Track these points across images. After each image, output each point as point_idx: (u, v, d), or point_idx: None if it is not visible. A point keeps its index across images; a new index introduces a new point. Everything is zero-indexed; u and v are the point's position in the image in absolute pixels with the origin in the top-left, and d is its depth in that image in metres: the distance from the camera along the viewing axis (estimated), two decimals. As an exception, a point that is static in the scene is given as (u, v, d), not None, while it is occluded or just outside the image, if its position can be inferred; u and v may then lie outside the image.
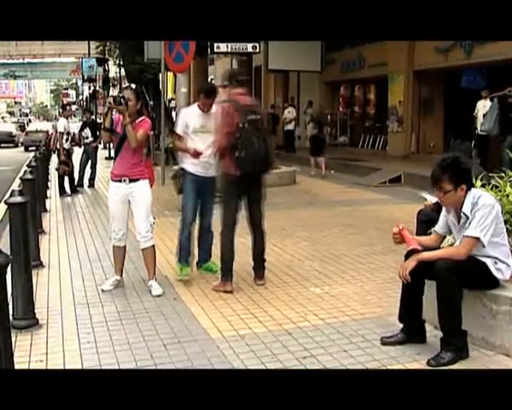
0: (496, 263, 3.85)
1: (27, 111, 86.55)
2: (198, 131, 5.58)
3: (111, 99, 5.16)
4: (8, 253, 3.77)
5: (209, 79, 21.70)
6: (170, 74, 24.67)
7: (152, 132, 11.08)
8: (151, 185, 5.53)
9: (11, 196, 4.64)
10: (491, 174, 4.92)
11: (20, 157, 23.02)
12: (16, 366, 3.08)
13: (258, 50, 15.36)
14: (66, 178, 11.96)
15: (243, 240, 6.00)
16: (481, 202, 3.78)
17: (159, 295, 5.14)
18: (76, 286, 5.47)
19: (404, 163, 15.14)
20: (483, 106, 12.93)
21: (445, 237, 4.18)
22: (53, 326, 4.46)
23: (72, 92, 74.85)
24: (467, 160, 4.01)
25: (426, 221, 5.28)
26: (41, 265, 6.13)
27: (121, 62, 23.87)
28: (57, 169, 11.93)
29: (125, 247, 5.45)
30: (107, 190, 6.37)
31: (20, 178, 6.96)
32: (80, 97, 58.41)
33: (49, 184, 12.84)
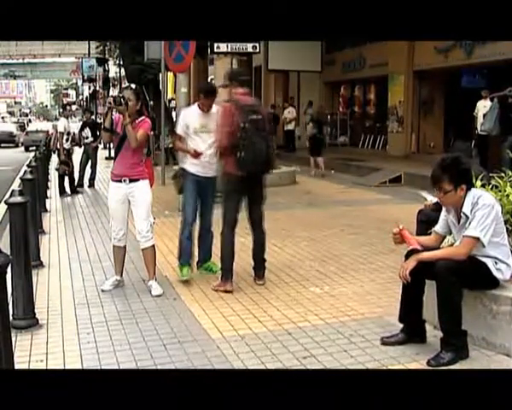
0: (496, 263, 3.85)
1: (27, 111, 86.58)
2: (198, 131, 5.58)
3: (111, 99, 5.16)
4: (9, 253, 3.77)
5: (209, 79, 21.72)
6: (170, 74, 24.70)
7: (152, 132, 11.08)
8: (151, 185, 5.53)
9: (11, 196, 4.64)
10: (491, 174, 4.91)
11: (20, 157, 23.03)
12: (16, 366, 3.08)
13: (258, 50, 15.35)
14: (67, 178, 11.96)
15: (243, 240, 6.00)
16: (481, 201, 3.78)
17: (159, 296, 5.14)
18: (76, 286, 5.47)
19: (405, 163, 15.14)
20: (483, 106, 12.93)
21: (445, 237, 4.18)
22: (53, 326, 4.46)
23: (72, 92, 74.85)
24: (467, 160, 4.01)
25: (426, 221, 5.28)
26: (41, 265, 6.13)
27: (121, 62, 23.87)
28: (57, 169, 11.93)
29: (125, 247, 5.45)
30: (107, 190, 6.37)
31: (21, 178, 6.96)
32: (80, 97, 58.43)
33: (49, 184, 12.84)
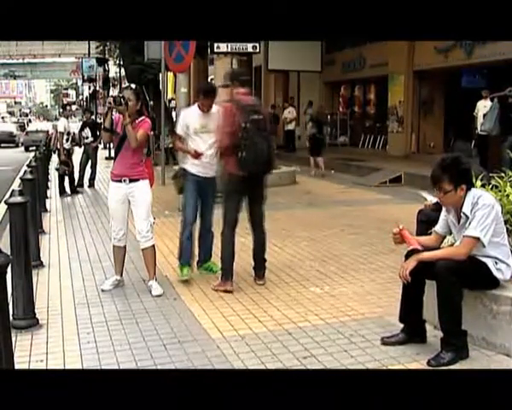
0: (496, 263, 3.85)
1: (27, 111, 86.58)
2: (198, 131, 5.57)
3: (111, 99, 5.16)
4: (9, 253, 3.77)
5: (209, 79, 21.71)
6: (170, 74, 24.69)
7: (152, 132, 11.08)
8: (151, 185, 5.53)
9: (11, 196, 4.65)
10: (491, 174, 4.92)
11: (20, 157, 23.03)
12: (16, 366, 3.08)
13: (258, 50, 15.35)
14: (67, 178, 11.96)
15: (244, 240, 6.00)
16: (481, 201, 3.78)
17: (159, 296, 5.14)
18: (76, 286, 5.47)
19: (405, 163, 15.14)
20: (483, 106, 12.93)
21: (445, 237, 4.18)
22: (53, 326, 4.46)
23: (72, 92, 74.85)
24: (467, 160, 4.01)
25: (426, 221, 5.28)
26: (41, 265, 6.13)
27: (121, 62, 23.87)
28: (57, 169, 11.93)
29: (125, 247, 5.45)
30: (107, 190, 6.37)
31: (21, 178, 6.96)
32: (80, 97, 58.43)
33: (49, 184, 12.85)
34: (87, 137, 13.20)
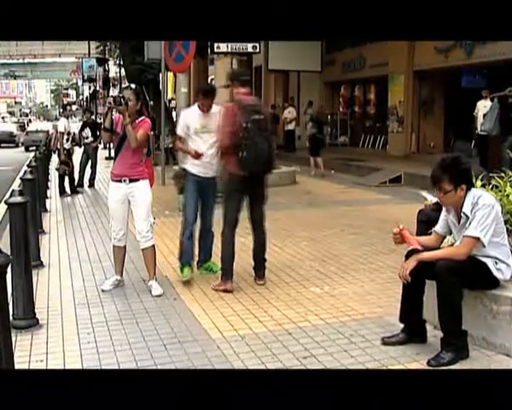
0: (496, 263, 3.85)
1: (27, 111, 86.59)
2: (199, 131, 5.57)
3: (111, 99, 5.16)
4: (9, 253, 3.77)
5: (209, 79, 21.71)
6: (170, 74, 24.70)
7: (152, 132, 11.08)
8: (151, 185, 5.53)
9: (11, 196, 4.64)
10: (491, 174, 4.92)
11: (20, 157, 23.03)
12: (16, 366, 3.08)
13: (258, 50, 15.35)
14: (67, 178, 11.96)
15: (244, 240, 6.00)
16: (481, 201, 3.78)
17: (159, 296, 5.14)
18: (76, 286, 5.47)
19: (405, 163, 15.14)
20: (483, 106, 12.93)
21: (445, 237, 4.18)
22: (53, 326, 4.46)
23: (72, 92, 74.85)
24: (467, 160, 4.01)
25: (426, 221, 5.28)
26: (41, 265, 6.13)
27: (121, 62, 23.88)
28: (57, 169, 11.93)
29: (125, 247, 5.45)
30: (107, 190, 6.37)
31: (21, 178, 6.96)
32: (80, 97, 58.41)
33: (49, 184, 12.85)
34: (87, 137, 13.20)
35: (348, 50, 20.38)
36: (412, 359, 3.83)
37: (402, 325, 4.09)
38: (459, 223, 3.92)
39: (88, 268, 6.07)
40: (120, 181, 5.24)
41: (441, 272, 3.73)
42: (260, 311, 4.78)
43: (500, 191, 4.49)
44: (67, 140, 11.87)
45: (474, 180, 4.11)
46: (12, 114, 74.08)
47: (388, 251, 6.41)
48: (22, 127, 39.00)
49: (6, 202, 4.69)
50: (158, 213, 8.18)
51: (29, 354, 3.96)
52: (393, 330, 4.16)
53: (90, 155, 13.16)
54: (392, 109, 18.27)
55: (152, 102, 19.98)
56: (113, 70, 31.83)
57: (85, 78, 34.83)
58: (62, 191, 11.72)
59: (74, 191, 11.96)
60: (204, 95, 5.58)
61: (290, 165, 14.42)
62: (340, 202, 10.58)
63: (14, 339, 3.44)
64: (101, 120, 8.01)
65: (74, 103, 56.24)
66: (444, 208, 4.08)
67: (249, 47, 14.66)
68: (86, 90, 44.96)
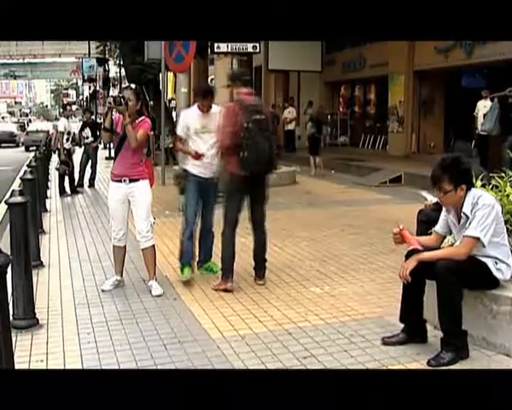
0: (496, 263, 3.85)
1: (27, 111, 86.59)
2: (199, 131, 5.57)
3: (111, 99, 5.16)
4: (9, 253, 3.77)
5: (209, 79, 21.72)
6: (170, 74, 24.70)
7: (152, 132, 11.08)
8: (151, 185, 5.53)
9: (11, 196, 4.64)
10: (491, 174, 4.92)
11: (20, 157, 23.03)
12: (16, 366, 3.08)
13: (258, 50, 15.36)
14: (67, 178, 11.96)
15: (244, 240, 6.01)
16: (481, 201, 3.78)
17: (159, 296, 5.14)
18: (76, 286, 5.47)
19: (405, 163, 15.14)
20: (483, 106, 12.94)
21: (445, 237, 4.18)
22: (53, 326, 4.46)
23: (72, 92, 74.87)
24: (467, 160, 4.01)
25: (426, 221, 5.28)
26: (41, 265, 6.13)
27: (121, 62, 23.87)
28: (57, 169, 11.93)
29: (125, 247, 5.45)
30: (107, 190, 6.37)
31: (21, 178, 6.96)
32: (80, 97, 58.44)
33: (49, 184, 12.85)
34: (87, 137, 13.20)
35: (348, 50, 20.38)
36: (412, 359, 3.83)
37: (402, 325, 4.09)
38: (459, 223, 3.92)
39: (88, 268, 6.07)
40: (120, 181, 5.24)
41: (441, 272, 3.73)
42: (260, 311, 4.78)
43: (500, 191, 4.49)
44: (67, 140, 11.87)
45: (474, 180, 4.11)
46: (12, 114, 74.07)
47: (388, 251, 6.41)
48: (22, 127, 39.01)
49: (6, 202, 4.69)
50: (158, 213, 8.18)
51: (29, 354, 3.96)
52: (393, 330, 4.16)
53: (90, 155, 13.16)
54: (393, 109, 18.27)
55: (152, 102, 19.98)
56: (113, 70, 31.84)
57: (85, 78, 34.87)
58: (62, 191, 11.72)
59: (74, 191, 11.96)
60: (203, 95, 5.58)
61: (290, 165, 14.42)
62: (340, 202, 10.58)
63: (14, 339, 3.44)
64: (101, 120, 8.00)
65: (74, 103, 56.25)
66: (444, 208, 4.08)
67: (249, 47, 14.66)
68: (86, 90, 44.98)
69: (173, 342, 4.12)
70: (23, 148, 30.98)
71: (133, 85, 5.50)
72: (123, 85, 15.88)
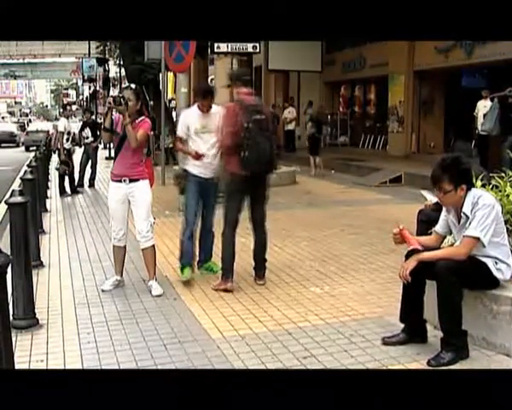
0: (496, 263, 3.85)
1: (27, 111, 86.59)
2: (199, 132, 5.57)
3: (111, 99, 5.16)
4: (9, 253, 3.77)
5: (209, 79, 21.72)
6: (170, 74, 24.70)
7: (152, 132, 11.08)
8: (151, 185, 5.53)
9: (11, 196, 4.64)
10: (491, 174, 4.92)
11: (20, 157, 23.03)
12: (16, 366, 3.08)
13: (258, 50, 15.35)
14: (67, 178, 11.96)
15: (244, 240, 6.01)
16: (481, 201, 3.78)
17: (159, 296, 5.14)
18: (76, 286, 5.47)
19: (405, 163, 15.14)
20: (483, 106, 12.93)
21: (445, 237, 4.18)
22: (53, 326, 4.46)
23: (72, 92, 74.87)
24: (467, 160, 4.01)
25: (426, 221, 5.28)
26: (41, 265, 6.13)
27: (121, 62, 23.87)
28: (57, 169, 11.93)
29: (125, 247, 5.45)
30: (107, 190, 6.37)
31: (21, 178, 6.96)
32: (80, 97, 58.43)
33: (49, 184, 12.85)
34: (87, 137, 13.20)
35: (348, 50, 20.38)
36: (412, 359, 3.83)
37: (402, 325, 4.09)
38: (459, 223, 3.92)
39: (88, 268, 6.07)
40: (120, 181, 5.24)
41: (441, 272, 3.73)
42: (260, 311, 4.78)
43: (500, 191, 4.49)
44: (67, 140, 11.87)
45: (474, 180, 4.11)
46: (12, 114, 74.06)
47: (388, 251, 6.41)
48: (22, 127, 39.01)
49: (6, 202, 4.69)
50: (158, 213, 8.18)
51: (29, 354, 3.96)
52: (394, 330, 4.16)
53: (90, 155, 13.16)
54: (393, 109, 18.27)
55: (152, 102, 19.98)
56: (113, 70, 31.84)
57: (85, 78, 34.88)
58: (62, 191, 11.73)
59: (74, 191, 11.96)
60: (203, 95, 5.58)
61: (290, 165, 14.42)
62: (340, 202, 10.58)
63: (14, 339, 3.44)
64: (101, 120, 8.00)
65: (74, 103, 56.24)
66: (444, 208, 4.08)
67: (249, 47, 14.65)
68: (86, 90, 44.98)
69: (173, 342, 4.12)
70: (23, 148, 30.99)
71: (133, 85, 5.50)
72: (123, 85, 15.87)
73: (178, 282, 5.52)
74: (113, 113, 5.17)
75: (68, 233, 7.85)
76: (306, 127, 16.57)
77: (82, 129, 13.48)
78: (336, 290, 5.31)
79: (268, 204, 5.61)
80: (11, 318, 3.91)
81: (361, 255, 6.52)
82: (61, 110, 30.23)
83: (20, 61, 63.17)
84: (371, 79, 20.74)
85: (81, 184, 12.67)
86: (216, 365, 3.77)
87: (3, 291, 2.81)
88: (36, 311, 4.54)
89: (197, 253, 5.83)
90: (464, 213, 3.83)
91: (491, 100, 11.94)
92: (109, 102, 5.21)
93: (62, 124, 11.95)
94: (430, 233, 4.33)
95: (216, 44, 14.65)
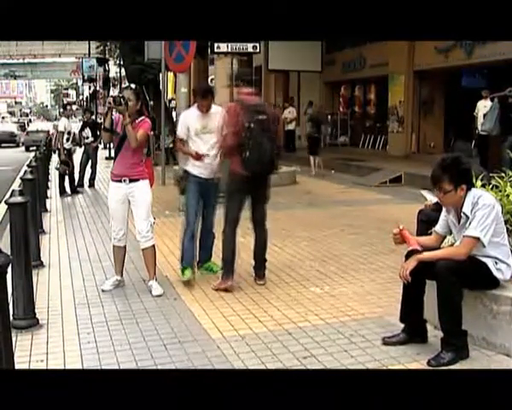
0: (496, 263, 3.85)
1: (28, 111, 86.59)
2: (199, 132, 5.57)
3: (111, 99, 5.16)
4: (9, 253, 3.77)
5: (209, 79, 21.71)
6: (170, 74, 24.70)
7: (152, 132, 11.08)
8: (151, 185, 5.53)
9: (11, 195, 4.64)
10: (491, 174, 4.92)
11: (20, 157, 23.03)
12: (16, 366, 3.08)
13: (258, 50, 15.33)
14: (67, 178, 11.96)
15: (244, 240, 6.00)
16: (481, 201, 3.78)
17: (159, 296, 5.14)
18: (76, 286, 5.47)
19: (405, 163, 15.14)
20: (483, 106, 12.93)
21: (445, 237, 4.18)
22: (53, 326, 4.46)
23: (72, 92, 74.88)
24: (467, 160, 4.01)
25: (426, 221, 5.28)
26: (41, 265, 6.13)
27: (121, 62, 23.89)
28: (57, 168, 11.93)
29: (125, 247, 5.45)
30: (107, 190, 6.37)
31: (21, 178, 6.96)
32: (80, 97, 58.42)
33: (49, 184, 12.85)
34: (87, 137, 13.20)
35: (348, 50, 20.38)
36: (412, 359, 3.83)
37: (402, 325, 4.09)
38: (459, 223, 3.92)
39: (88, 268, 6.07)
40: (120, 181, 5.24)
41: (441, 272, 3.73)
42: (260, 311, 4.78)
43: (500, 191, 4.49)
44: (68, 140, 11.87)
45: (474, 180, 4.11)
46: (12, 114, 74.07)
47: (388, 251, 6.41)
48: (22, 127, 39.02)
49: (6, 202, 4.69)
50: (158, 213, 8.18)
51: (29, 354, 3.96)
52: (394, 331, 4.16)
53: (90, 155, 13.16)
54: (393, 109, 18.27)
55: (152, 102, 19.99)
56: (113, 70, 31.84)
57: (85, 78, 34.85)
58: (62, 191, 11.73)
59: (74, 191, 11.96)
60: (202, 95, 5.58)
61: (290, 165, 14.41)
62: (340, 202, 10.58)
63: (14, 339, 3.44)
64: (102, 120, 7.99)
65: (74, 103, 56.22)
66: (444, 208, 4.08)
67: (249, 47, 14.64)
68: (86, 90, 44.98)
69: (173, 342, 4.12)
70: (23, 148, 30.99)
71: (133, 85, 5.51)
72: (123, 85, 15.90)
73: (178, 282, 5.52)
74: (113, 113, 5.16)
75: (68, 233, 7.85)
76: (306, 127, 16.58)
77: (82, 129, 13.47)
78: (336, 290, 5.31)
79: (268, 204, 5.61)
80: (11, 318, 3.90)
81: (361, 255, 6.52)
82: (62, 110, 30.20)
83: (20, 61, 63.17)
84: (371, 79, 20.74)
85: (81, 184, 12.67)
86: (216, 365, 3.77)
87: (3, 291, 2.81)
88: (36, 311, 4.54)
89: (197, 253, 5.82)
90: (464, 213, 3.83)
91: (491, 100, 11.94)
92: (109, 102, 5.21)
93: (62, 124, 11.95)
94: (430, 233, 4.33)
95: (216, 44, 14.64)
